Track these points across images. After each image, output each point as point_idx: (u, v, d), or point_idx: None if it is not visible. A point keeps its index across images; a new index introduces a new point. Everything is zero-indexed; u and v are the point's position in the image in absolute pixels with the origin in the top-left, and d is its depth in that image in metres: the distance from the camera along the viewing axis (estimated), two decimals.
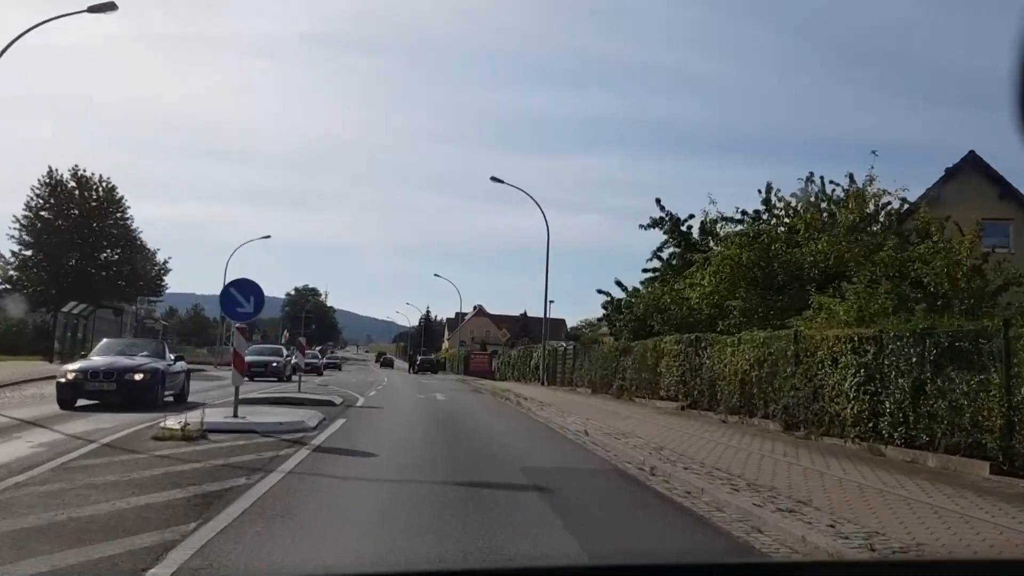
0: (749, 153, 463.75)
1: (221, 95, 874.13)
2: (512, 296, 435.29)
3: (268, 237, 58.75)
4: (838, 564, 3.43)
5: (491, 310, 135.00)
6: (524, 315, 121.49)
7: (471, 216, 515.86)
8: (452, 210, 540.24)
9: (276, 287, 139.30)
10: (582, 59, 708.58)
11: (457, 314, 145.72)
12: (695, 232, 25.78)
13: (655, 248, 26.75)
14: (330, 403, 18.86)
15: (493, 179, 38.18)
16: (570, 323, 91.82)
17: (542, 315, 52.14)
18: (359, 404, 20.59)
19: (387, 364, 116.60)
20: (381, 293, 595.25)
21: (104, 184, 50.37)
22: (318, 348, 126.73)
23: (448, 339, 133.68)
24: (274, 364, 33.73)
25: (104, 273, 49.34)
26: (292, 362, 34.46)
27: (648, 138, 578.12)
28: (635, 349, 23.62)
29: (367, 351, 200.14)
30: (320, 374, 58.18)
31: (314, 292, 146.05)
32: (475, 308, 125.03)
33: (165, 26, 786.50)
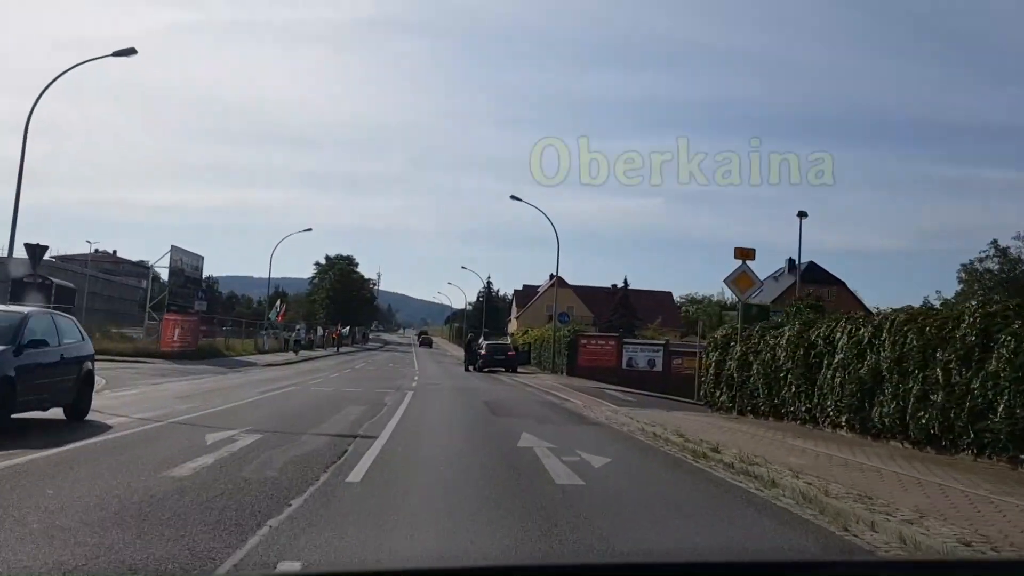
0: (808, 132, 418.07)
1: (282, 81, 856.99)
2: (585, 274, 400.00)
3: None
4: (839, 563, 2.92)
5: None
6: (624, 286, 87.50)
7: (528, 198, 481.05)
8: (508, 193, 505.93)
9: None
10: (638, 40, 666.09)
11: (525, 287, 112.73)
12: None
13: None
14: None
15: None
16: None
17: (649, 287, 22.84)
18: None
19: (425, 344, 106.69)
20: (437, 277, 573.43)
21: None
22: (344, 328, 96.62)
23: (517, 317, 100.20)
24: None
25: None
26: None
27: (707, 120, 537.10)
28: None
29: (416, 334, 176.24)
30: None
31: (348, 260, 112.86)
32: (551, 277, 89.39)
33: (229, 14, 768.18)
